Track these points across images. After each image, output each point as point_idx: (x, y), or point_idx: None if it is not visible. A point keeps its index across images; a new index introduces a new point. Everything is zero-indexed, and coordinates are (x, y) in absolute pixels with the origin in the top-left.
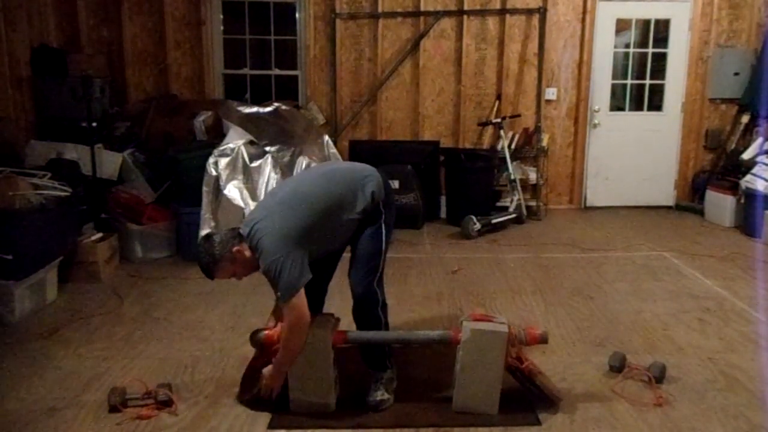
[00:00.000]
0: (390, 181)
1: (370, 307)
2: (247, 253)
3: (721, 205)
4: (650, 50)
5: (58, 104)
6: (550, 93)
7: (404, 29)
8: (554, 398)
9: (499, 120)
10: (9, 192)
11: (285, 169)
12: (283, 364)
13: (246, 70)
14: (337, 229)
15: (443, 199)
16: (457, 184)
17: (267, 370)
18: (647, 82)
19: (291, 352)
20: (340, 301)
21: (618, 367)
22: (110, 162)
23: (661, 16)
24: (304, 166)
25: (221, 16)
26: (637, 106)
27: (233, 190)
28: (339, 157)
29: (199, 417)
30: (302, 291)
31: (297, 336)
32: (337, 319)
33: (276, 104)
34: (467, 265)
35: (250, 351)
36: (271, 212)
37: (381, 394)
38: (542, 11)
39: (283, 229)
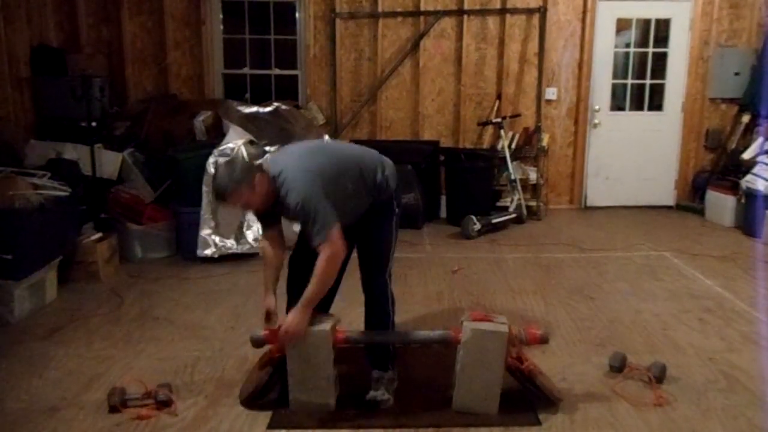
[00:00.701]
0: None
1: (382, 303)
2: (267, 185)
3: (721, 204)
4: (651, 50)
5: (58, 104)
6: (551, 93)
7: (404, 29)
8: (554, 398)
9: (499, 120)
10: (9, 192)
11: None
12: (312, 300)
13: (246, 70)
14: (356, 195)
15: (443, 199)
16: (457, 184)
17: (291, 313)
18: (648, 81)
19: (323, 286)
20: (340, 302)
21: (618, 367)
22: (110, 162)
23: (662, 15)
24: None
25: (221, 16)
26: (637, 105)
27: None
28: None
29: (199, 417)
30: (338, 224)
31: (333, 269)
32: (338, 319)
33: (276, 104)
34: (467, 265)
35: (250, 351)
36: (300, 154)
37: (381, 394)
38: (542, 11)
39: (314, 168)
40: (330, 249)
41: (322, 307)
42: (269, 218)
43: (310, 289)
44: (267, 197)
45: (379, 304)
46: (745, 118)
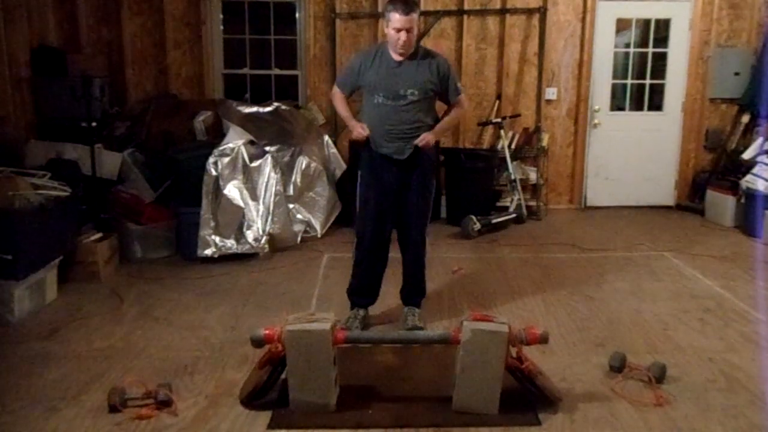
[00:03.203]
0: None
1: (423, 257)
2: (418, 32)
3: (721, 204)
4: (650, 50)
5: (58, 104)
6: (551, 93)
7: None
8: (554, 398)
9: (499, 120)
10: (9, 192)
11: (285, 169)
12: (446, 129)
13: (246, 70)
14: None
15: (443, 199)
16: (457, 184)
17: (429, 134)
18: (647, 81)
19: (457, 122)
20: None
21: (618, 367)
22: (110, 162)
23: (662, 15)
24: (304, 166)
25: (221, 16)
26: (637, 105)
27: (233, 190)
28: (339, 157)
29: (199, 417)
30: None
31: (463, 116)
32: (338, 319)
33: (276, 104)
34: (467, 265)
35: (250, 351)
36: None
37: (418, 321)
38: (542, 11)
39: None
40: (465, 101)
41: (374, 293)
42: (353, 89)
43: (449, 122)
44: (414, 42)
45: (423, 258)
46: (745, 118)
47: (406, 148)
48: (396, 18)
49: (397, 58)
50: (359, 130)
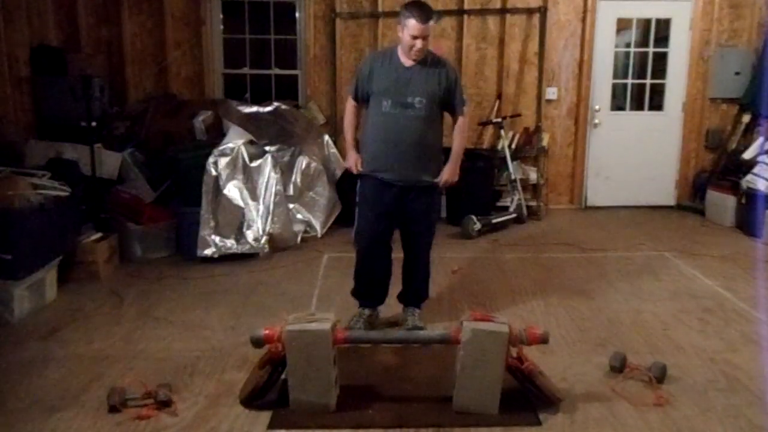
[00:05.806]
0: None
1: (428, 266)
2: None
3: (721, 204)
4: (651, 50)
5: (58, 104)
6: (551, 92)
7: None
8: (554, 398)
9: (499, 120)
10: (8, 191)
11: (285, 169)
12: (460, 153)
13: (246, 70)
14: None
15: (443, 199)
16: (457, 184)
17: (448, 169)
18: (648, 81)
19: (465, 141)
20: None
21: (618, 367)
22: (110, 162)
23: (662, 15)
24: (304, 166)
25: (221, 16)
26: (637, 105)
27: (233, 190)
28: (339, 157)
29: (199, 417)
30: None
31: (468, 129)
32: (338, 319)
33: (276, 104)
34: (467, 265)
35: (250, 351)
36: None
37: (418, 322)
38: (543, 11)
39: None
40: (467, 118)
41: (381, 296)
42: (364, 95)
43: (459, 145)
44: (427, 49)
45: (427, 274)
46: (746, 118)
47: (411, 175)
48: (413, 24)
49: (407, 63)
50: (353, 164)
